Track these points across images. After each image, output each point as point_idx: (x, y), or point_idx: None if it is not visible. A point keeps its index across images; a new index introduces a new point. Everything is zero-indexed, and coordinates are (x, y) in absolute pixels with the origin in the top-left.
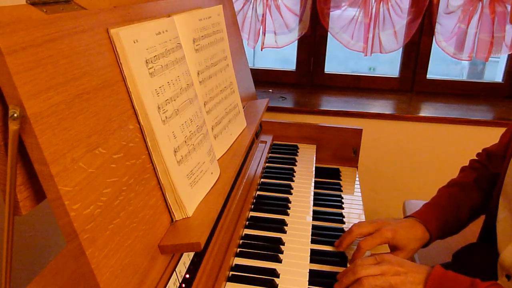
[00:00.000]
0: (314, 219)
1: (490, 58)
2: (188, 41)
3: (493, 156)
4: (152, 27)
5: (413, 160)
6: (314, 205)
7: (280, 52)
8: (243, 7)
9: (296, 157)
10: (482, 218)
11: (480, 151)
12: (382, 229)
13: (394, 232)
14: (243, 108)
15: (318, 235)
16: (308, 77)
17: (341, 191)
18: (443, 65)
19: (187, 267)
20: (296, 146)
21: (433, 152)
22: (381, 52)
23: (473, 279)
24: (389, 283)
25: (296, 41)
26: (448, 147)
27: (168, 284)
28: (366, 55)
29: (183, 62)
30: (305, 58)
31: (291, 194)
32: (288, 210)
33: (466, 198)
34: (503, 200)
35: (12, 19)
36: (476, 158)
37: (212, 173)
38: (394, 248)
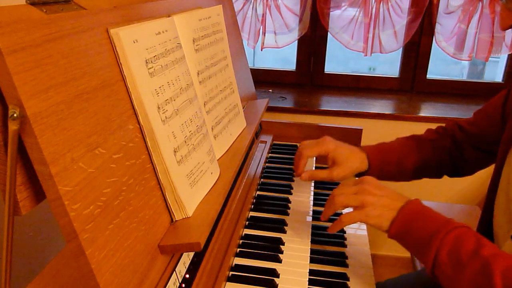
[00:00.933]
0: (314, 219)
1: (490, 58)
2: (188, 41)
3: (465, 130)
4: (152, 27)
5: None
6: (314, 205)
7: (280, 52)
8: (243, 7)
9: None
10: (479, 215)
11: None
12: (325, 140)
13: (335, 145)
14: (243, 108)
15: (318, 235)
16: (308, 77)
17: None
18: (443, 65)
19: (187, 267)
20: (296, 146)
21: None
22: (381, 52)
23: (447, 219)
24: (360, 201)
25: (296, 41)
26: None
27: (168, 284)
28: (366, 55)
29: (183, 62)
30: (305, 58)
31: (291, 194)
32: (288, 210)
33: (416, 151)
34: (500, 195)
35: (12, 19)
36: (443, 125)
37: (212, 173)
38: (332, 163)
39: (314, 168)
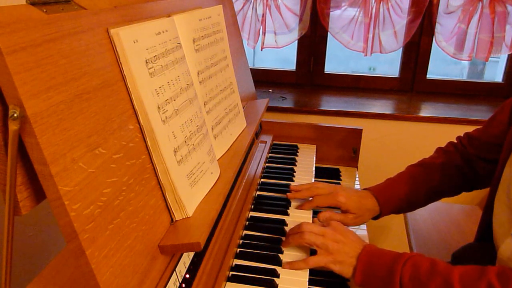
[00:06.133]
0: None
1: (490, 58)
2: (188, 41)
3: (475, 140)
4: (152, 27)
5: (413, 160)
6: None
7: (280, 52)
8: (243, 7)
9: (296, 157)
10: (479, 215)
11: (462, 134)
12: (337, 193)
13: (347, 198)
14: (243, 108)
15: None
16: (308, 77)
17: None
18: (443, 65)
19: (187, 267)
20: (296, 146)
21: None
22: (381, 52)
23: (401, 253)
24: (326, 247)
25: (296, 41)
26: None
27: (168, 284)
28: (366, 55)
29: (183, 62)
30: (305, 58)
31: None
32: (288, 210)
33: (427, 179)
34: (500, 194)
35: (12, 19)
36: (455, 141)
37: (212, 173)
38: (346, 211)
39: (314, 179)
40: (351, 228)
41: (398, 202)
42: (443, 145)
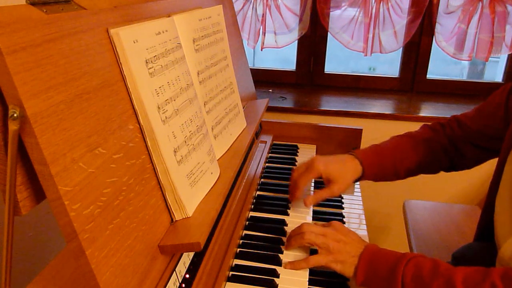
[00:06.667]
0: (314, 219)
1: (490, 58)
2: (188, 41)
3: (466, 127)
4: (152, 27)
5: None
6: (314, 205)
7: (280, 52)
8: (243, 7)
9: (296, 157)
10: (479, 215)
11: (450, 117)
12: (314, 163)
13: (325, 165)
14: (243, 108)
15: None
16: (308, 77)
17: None
18: (443, 65)
19: (187, 267)
20: (296, 146)
21: None
22: (381, 52)
23: (403, 253)
24: (327, 246)
25: (296, 41)
26: None
27: (168, 284)
28: (366, 55)
29: (183, 62)
30: (305, 58)
31: None
32: (288, 210)
33: (411, 151)
34: (503, 192)
35: (12, 19)
36: (441, 121)
37: (212, 173)
38: (328, 181)
39: (312, 185)
40: (352, 229)
41: (381, 168)
42: None
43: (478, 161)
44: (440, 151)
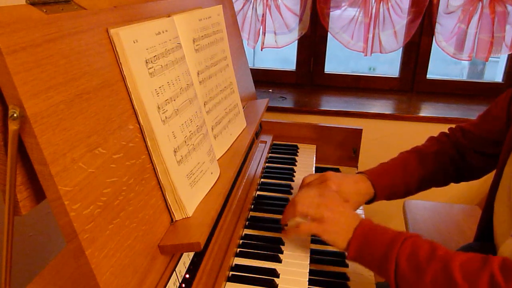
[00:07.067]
0: None
1: (490, 58)
2: (188, 41)
3: (470, 134)
4: (152, 27)
5: None
6: None
7: (280, 52)
8: (243, 7)
9: (296, 157)
10: (479, 215)
11: (454, 126)
12: (328, 181)
13: (338, 185)
14: (243, 108)
15: None
16: (308, 77)
17: None
18: (443, 65)
19: (187, 267)
20: (296, 146)
21: None
22: (381, 52)
23: (400, 231)
24: (321, 215)
25: (296, 41)
26: None
27: (168, 284)
28: (366, 55)
29: (183, 62)
30: (305, 58)
31: (291, 194)
32: None
33: (420, 167)
34: (501, 194)
35: (12, 19)
36: (447, 131)
37: (212, 173)
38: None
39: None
40: None
41: (393, 188)
42: None
43: (486, 170)
44: (448, 163)
